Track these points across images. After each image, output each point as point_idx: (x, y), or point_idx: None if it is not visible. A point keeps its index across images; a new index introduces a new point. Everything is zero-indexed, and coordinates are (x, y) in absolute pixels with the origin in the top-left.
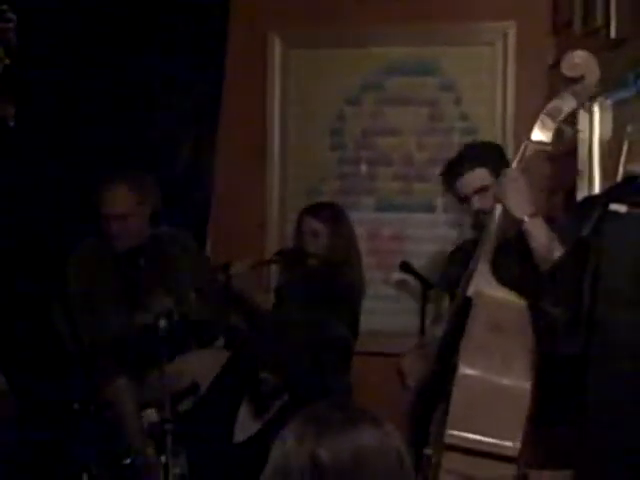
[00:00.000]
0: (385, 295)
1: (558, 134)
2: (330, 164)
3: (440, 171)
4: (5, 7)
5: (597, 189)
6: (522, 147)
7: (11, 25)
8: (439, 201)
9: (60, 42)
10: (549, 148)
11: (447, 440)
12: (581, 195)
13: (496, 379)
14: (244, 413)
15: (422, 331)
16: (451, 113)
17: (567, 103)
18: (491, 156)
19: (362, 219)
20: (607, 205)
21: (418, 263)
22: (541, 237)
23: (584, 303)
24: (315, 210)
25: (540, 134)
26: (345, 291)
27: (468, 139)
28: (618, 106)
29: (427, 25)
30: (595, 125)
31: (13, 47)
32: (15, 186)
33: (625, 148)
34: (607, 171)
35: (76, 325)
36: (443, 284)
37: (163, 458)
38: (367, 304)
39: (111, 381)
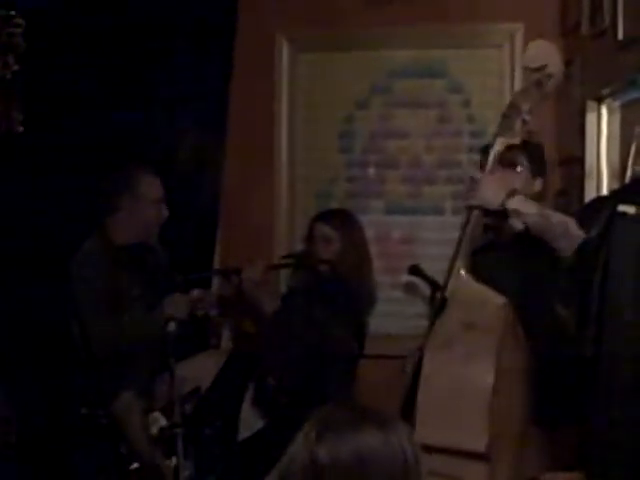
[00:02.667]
0: (394, 298)
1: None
2: (339, 167)
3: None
4: (13, 13)
5: (605, 190)
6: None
7: (19, 30)
8: (448, 204)
9: (68, 47)
10: (517, 140)
11: (415, 439)
12: (589, 196)
13: (457, 374)
14: (247, 411)
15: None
16: (459, 115)
17: (531, 94)
18: (535, 152)
19: (371, 222)
20: (616, 206)
21: (427, 266)
22: (531, 209)
23: (593, 304)
24: (327, 216)
25: (506, 127)
26: (354, 300)
27: (476, 141)
28: (626, 107)
29: (435, 28)
30: (603, 126)
31: (21, 53)
32: (23, 191)
33: (633, 149)
34: (615, 172)
35: (85, 326)
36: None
37: (174, 460)
38: (376, 307)
39: (117, 394)
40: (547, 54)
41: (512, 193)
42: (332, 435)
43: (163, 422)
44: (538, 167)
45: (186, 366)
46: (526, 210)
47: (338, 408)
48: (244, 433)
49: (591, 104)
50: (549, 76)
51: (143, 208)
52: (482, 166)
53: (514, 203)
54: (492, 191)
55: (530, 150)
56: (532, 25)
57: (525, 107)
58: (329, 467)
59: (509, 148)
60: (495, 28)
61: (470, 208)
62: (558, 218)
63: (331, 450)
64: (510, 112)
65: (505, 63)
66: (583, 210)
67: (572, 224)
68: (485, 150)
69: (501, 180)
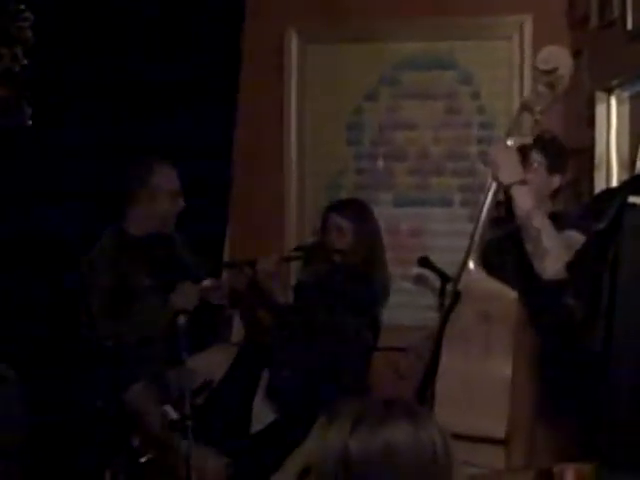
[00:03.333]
0: (404, 289)
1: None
2: (347, 159)
3: None
4: (22, 6)
5: (615, 181)
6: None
7: (28, 24)
8: (457, 195)
9: (76, 41)
10: (528, 141)
11: None
12: (599, 187)
13: (476, 365)
14: (259, 404)
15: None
16: (468, 107)
17: (543, 96)
18: (550, 148)
19: (380, 214)
20: (626, 197)
21: (436, 257)
22: (525, 204)
23: (603, 296)
24: (340, 207)
25: (517, 127)
26: (368, 291)
27: (485, 133)
28: (635, 98)
29: (444, 19)
30: (612, 117)
31: (30, 46)
32: (33, 185)
33: None
34: (625, 163)
35: (100, 318)
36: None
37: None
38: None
39: (129, 385)
40: (558, 57)
41: (522, 182)
42: (364, 428)
43: (174, 415)
44: (556, 164)
45: (198, 359)
46: (520, 203)
47: (370, 401)
48: (256, 426)
49: (600, 95)
50: (560, 78)
51: (158, 200)
52: None
53: (517, 191)
54: (508, 165)
55: (547, 147)
56: (541, 16)
57: (537, 108)
58: (360, 459)
59: (521, 148)
60: (504, 19)
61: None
62: (539, 224)
63: (362, 443)
64: (522, 112)
65: (514, 54)
66: (593, 201)
67: (547, 235)
68: None
69: (516, 161)
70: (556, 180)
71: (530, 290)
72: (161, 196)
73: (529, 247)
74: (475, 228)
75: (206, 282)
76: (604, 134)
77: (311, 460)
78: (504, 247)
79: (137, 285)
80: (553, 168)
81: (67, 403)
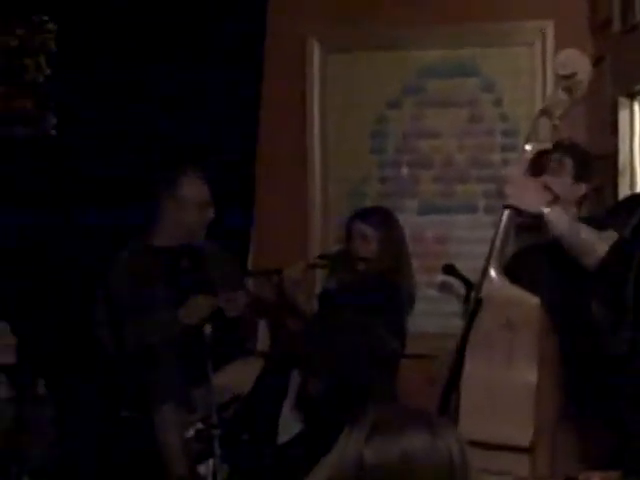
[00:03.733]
0: (429, 297)
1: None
2: (371, 167)
3: None
4: (45, 18)
5: (639, 187)
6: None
7: (51, 35)
8: (481, 202)
9: (100, 50)
10: (548, 146)
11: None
12: (623, 193)
13: (499, 372)
14: (286, 415)
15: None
16: (491, 114)
17: (561, 101)
18: (577, 155)
19: (405, 222)
20: None
21: (461, 265)
22: (562, 222)
23: (628, 301)
24: (365, 215)
25: (536, 133)
26: (394, 299)
27: (508, 140)
28: None
29: (466, 26)
30: (636, 122)
31: (53, 57)
32: (57, 194)
33: None
34: None
35: (122, 328)
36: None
37: (210, 463)
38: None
39: (158, 405)
40: (577, 61)
41: (553, 201)
42: (380, 436)
43: (200, 426)
44: (582, 171)
45: (224, 374)
46: (557, 223)
47: (387, 409)
48: (283, 437)
49: (623, 100)
50: (579, 83)
51: (185, 210)
52: None
53: (551, 215)
54: (530, 195)
55: (576, 154)
56: (563, 22)
57: (556, 113)
58: (376, 468)
59: (540, 154)
60: (526, 26)
61: (505, 207)
62: (587, 235)
63: (378, 451)
64: (541, 118)
65: (537, 61)
66: (617, 207)
67: (599, 242)
68: None
69: (540, 185)
70: (582, 187)
71: (563, 303)
72: (189, 207)
73: (585, 259)
74: (495, 234)
75: (224, 295)
76: (627, 140)
77: (333, 469)
78: (531, 259)
79: (150, 297)
80: (579, 175)
81: (92, 412)
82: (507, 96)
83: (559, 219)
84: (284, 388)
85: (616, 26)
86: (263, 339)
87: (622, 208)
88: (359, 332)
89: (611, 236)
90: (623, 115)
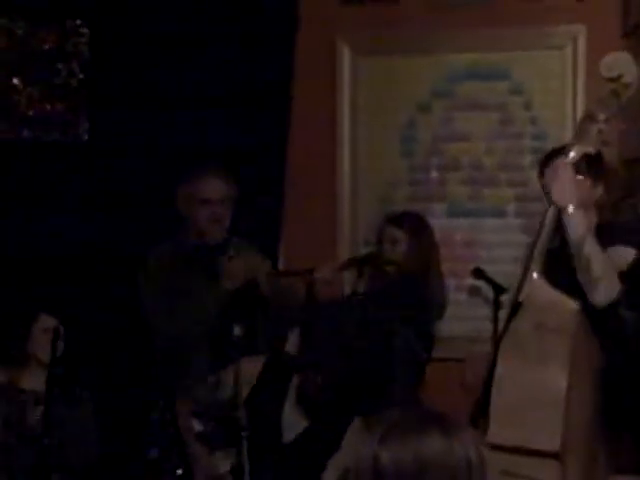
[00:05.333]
0: (458, 301)
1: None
2: (401, 171)
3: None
4: (78, 22)
5: None
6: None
7: (84, 40)
8: (510, 206)
9: (132, 55)
10: (592, 149)
11: (489, 439)
12: None
13: (531, 376)
14: (289, 412)
15: (495, 337)
16: (521, 117)
17: (607, 104)
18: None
19: (434, 225)
20: None
21: (489, 268)
22: (577, 229)
23: None
24: (396, 218)
25: (582, 136)
26: (423, 303)
27: (538, 144)
28: None
29: (496, 30)
30: None
31: (86, 61)
32: (90, 197)
33: None
34: None
35: (154, 327)
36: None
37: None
38: None
39: (186, 422)
40: (623, 64)
41: (577, 206)
42: (395, 438)
43: (199, 427)
44: (598, 174)
45: (227, 372)
46: (573, 228)
47: (403, 412)
48: (288, 434)
49: None
50: (626, 86)
51: (203, 209)
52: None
53: (572, 216)
54: (565, 187)
55: (591, 156)
56: (594, 27)
57: (601, 117)
58: (390, 470)
59: (585, 157)
60: (557, 30)
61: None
62: (589, 250)
63: (394, 453)
64: (586, 121)
65: (567, 65)
66: None
67: (598, 261)
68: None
69: (573, 183)
70: (599, 190)
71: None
72: (205, 206)
73: (580, 276)
74: (538, 236)
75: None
76: None
77: (347, 466)
78: (561, 256)
79: (188, 286)
80: (596, 179)
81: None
82: (537, 100)
83: (577, 226)
84: (284, 389)
85: None
86: (293, 341)
87: None
88: (384, 334)
89: (625, 252)
90: None
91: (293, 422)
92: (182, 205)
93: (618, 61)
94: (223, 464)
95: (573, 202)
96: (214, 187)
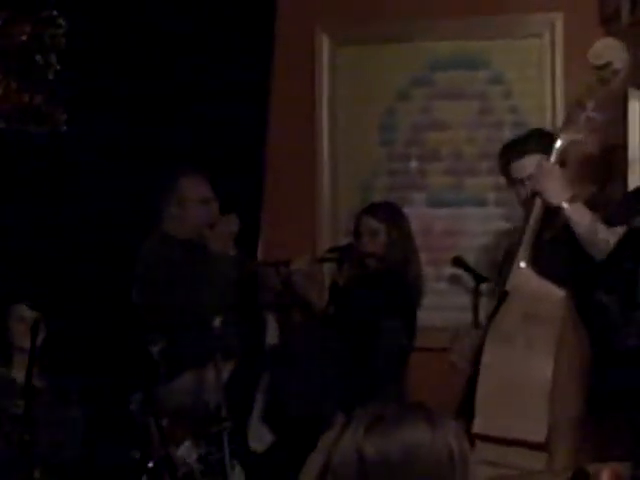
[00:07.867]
0: (438, 290)
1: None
2: (380, 160)
3: (501, 148)
4: (55, 13)
5: None
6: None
7: (61, 31)
8: (490, 195)
9: (110, 47)
10: (581, 137)
11: (475, 430)
12: (633, 184)
13: (517, 366)
14: (254, 422)
15: (476, 325)
16: (501, 106)
17: (595, 91)
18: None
19: (413, 215)
20: None
21: (470, 258)
22: (583, 220)
23: (637, 291)
24: (373, 209)
25: (570, 124)
26: (403, 295)
27: (518, 132)
28: None
29: (475, 18)
30: None
31: (64, 53)
32: (68, 189)
33: None
34: None
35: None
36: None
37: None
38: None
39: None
40: (613, 50)
41: (573, 199)
42: (379, 431)
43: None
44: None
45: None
46: (578, 220)
47: (386, 404)
48: (254, 443)
49: (633, 92)
50: (614, 73)
51: (186, 208)
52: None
53: (571, 210)
54: (555, 186)
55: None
56: (572, 14)
57: (590, 104)
58: (375, 463)
59: (570, 145)
60: (535, 18)
61: (534, 195)
62: (604, 234)
63: (378, 446)
64: (574, 109)
65: (546, 52)
66: (626, 198)
67: (614, 240)
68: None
69: (566, 178)
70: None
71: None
72: (187, 204)
73: (599, 256)
74: (526, 224)
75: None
76: (637, 131)
77: (325, 462)
78: (551, 248)
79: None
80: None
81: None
82: (516, 88)
83: (582, 217)
84: (251, 396)
85: (625, 18)
86: (272, 333)
87: (632, 199)
88: (364, 326)
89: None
90: (633, 106)
91: (259, 432)
92: (171, 202)
93: (607, 48)
94: (190, 455)
95: (567, 198)
96: (203, 186)
